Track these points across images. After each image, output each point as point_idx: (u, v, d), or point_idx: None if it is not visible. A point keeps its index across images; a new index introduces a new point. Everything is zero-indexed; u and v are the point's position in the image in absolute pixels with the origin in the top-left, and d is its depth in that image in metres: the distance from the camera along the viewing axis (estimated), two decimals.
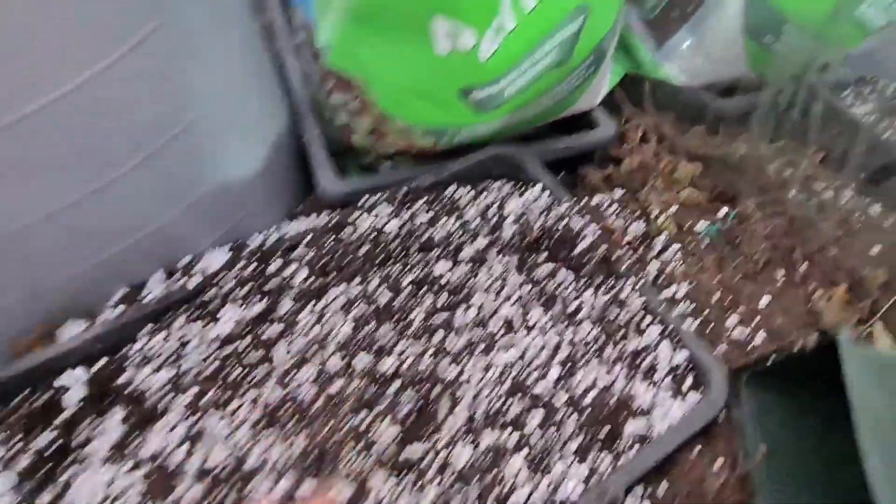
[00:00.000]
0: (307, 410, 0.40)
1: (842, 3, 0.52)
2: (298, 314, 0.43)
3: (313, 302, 0.44)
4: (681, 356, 0.41)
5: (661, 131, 0.61)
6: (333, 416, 0.39)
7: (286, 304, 0.43)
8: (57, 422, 0.38)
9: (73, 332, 0.42)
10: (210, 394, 0.40)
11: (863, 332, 0.46)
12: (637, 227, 0.53)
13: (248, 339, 0.42)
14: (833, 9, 0.53)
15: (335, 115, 0.49)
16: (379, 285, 0.45)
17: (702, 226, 0.53)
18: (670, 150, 0.60)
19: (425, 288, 0.45)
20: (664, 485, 0.38)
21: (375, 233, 0.45)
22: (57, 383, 0.39)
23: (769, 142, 0.60)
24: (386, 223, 0.46)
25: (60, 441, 0.38)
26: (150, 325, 0.42)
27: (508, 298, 0.46)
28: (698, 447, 0.39)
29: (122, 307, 0.44)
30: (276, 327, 0.43)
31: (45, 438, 0.37)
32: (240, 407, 0.40)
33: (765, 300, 0.47)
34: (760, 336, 0.45)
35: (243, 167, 0.47)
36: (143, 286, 0.45)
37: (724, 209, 0.55)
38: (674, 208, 0.54)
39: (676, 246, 0.51)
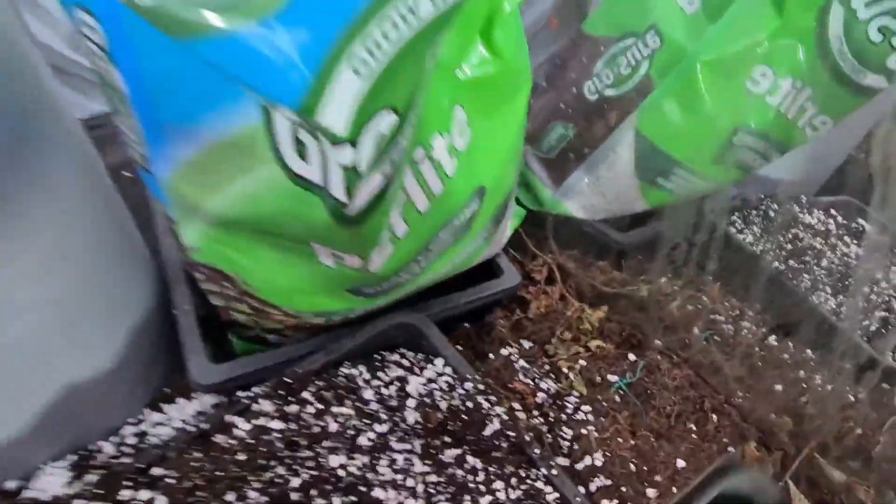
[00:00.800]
0: None
1: (723, 151, 0.56)
2: None
3: None
4: None
5: (567, 269, 0.62)
6: None
7: None
8: None
9: None
10: None
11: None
12: (547, 387, 0.51)
13: None
14: (716, 155, 0.56)
15: (214, 298, 0.44)
16: (260, 495, 0.40)
17: (612, 378, 0.52)
18: (577, 290, 0.61)
19: (316, 490, 0.41)
20: None
21: (255, 437, 0.40)
22: None
23: (672, 274, 0.62)
24: (268, 424, 0.41)
25: None
26: None
27: (413, 492, 0.42)
28: None
29: None
30: None
31: None
32: None
33: (680, 463, 0.46)
34: None
35: (96, 360, 0.41)
36: None
37: (632, 356, 0.55)
38: (582, 362, 0.53)
39: (588, 407, 0.50)
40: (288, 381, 0.44)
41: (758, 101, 0.54)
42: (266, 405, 0.42)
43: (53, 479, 0.39)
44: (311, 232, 0.35)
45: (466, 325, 0.56)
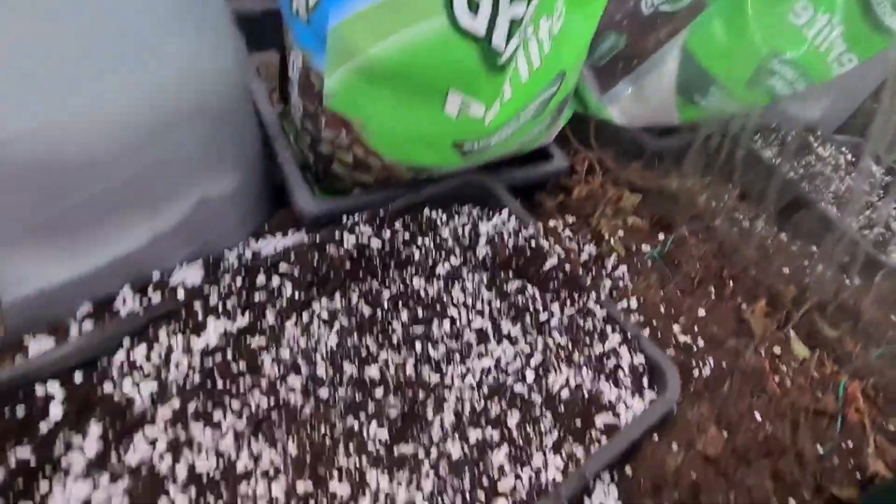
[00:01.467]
0: (296, 417, 0.42)
1: (757, 75, 0.64)
2: (283, 327, 0.46)
3: (297, 315, 0.46)
4: (639, 359, 0.48)
5: (605, 165, 0.71)
6: (323, 421, 0.42)
7: (271, 318, 0.46)
8: (34, 436, 0.38)
9: (42, 346, 0.42)
10: (195, 404, 0.41)
11: (781, 338, 0.55)
12: (590, 250, 0.60)
13: (234, 350, 0.44)
14: (750, 78, 0.65)
15: (318, 146, 0.53)
16: (359, 300, 0.49)
17: (645, 249, 0.61)
18: (614, 181, 0.69)
19: (402, 303, 0.50)
20: (629, 469, 0.44)
21: (358, 250, 0.49)
22: (34, 396, 0.39)
23: (699, 177, 0.71)
24: (368, 241, 0.50)
25: (38, 455, 0.37)
26: (129, 339, 0.43)
27: (481, 312, 0.51)
28: (657, 436, 0.45)
29: (90, 322, 0.44)
30: (261, 339, 0.45)
31: (21, 453, 0.37)
32: (227, 415, 0.41)
33: (701, 311, 0.56)
34: (700, 341, 0.53)
35: (223, 183, 0.50)
36: (109, 302, 0.46)
37: (663, 235, 0.64)
38: (621, 233, 0.62)
39: (624, 266, 0.59)
40: (381, 214, 0.52)
41: (795, 32, 0.62)
42: (366, 229, 0.51)
43: (191, 272, 0.48)
44: (457, 79, 0.43)
45: (519, 199, 0.64)
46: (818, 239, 0.70)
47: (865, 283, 0.66)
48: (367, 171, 0.52)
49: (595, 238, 0.61)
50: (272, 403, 0.42)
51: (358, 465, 0.40)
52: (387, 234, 0.51)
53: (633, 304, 0.55)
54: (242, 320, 0.45)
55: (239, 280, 0.46)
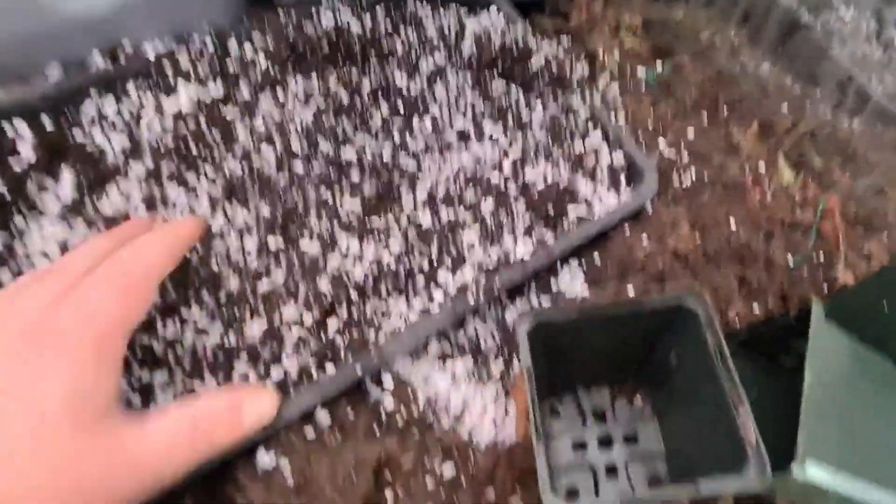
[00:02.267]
0: (270, 184, 0.42)
1: None
2: (257, 99, 0.45)
3: (272, 90, 0.46)
4: (619, 156, 0.48)
5: None
6: (298, 190, 0.43)
7: (245, 90, 0.45)
8: (5, 172, 0.39)
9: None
10: (169, 166, 0.42)
11: (769, 160, 0.55)
12: (582, 69, 0.58)
13: (207, 118, 0.44)
14: None
15: None
16: (338, 85, 0.48)
17: (641, 72, 0.60)
18: (615, 9, 0.66)
19: (383, 94, 0.49)
20: (597, 255, 0.45)
21: (336, 33, 0.48)
22: (2, 133, 0.39)
23: (706, 10, 0.68)
24: (348, 25, 0.48)
25: (11, 189, 0.38)
26: (97, 92, 0.43)
27: (464, 113, 0.50)
28: (628, 228, 0.46)
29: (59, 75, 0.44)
30: (236, 110, 0.44)
31: None
32: (200, 179, 0.42)
33: (691, 132, 0.55)
34: (685, 156, 0.52)
35: None
36: (79, 64, 0.45)
37: (661, 62, 0.62)
38: (616, 55, 0.60)
39: (616, 85, 0.58)
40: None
41: None
42: (346, 11, 0.49)
43: (163, 43, 0.47)
44: None
45: None
46: (819, 78, 0.68)
47: (867, 125, 0.65)
48: None
49: (589, 58, 0.60)
50: (246, 171, 0.43)
51: (329, 229, 0.41)
52: (368, 20, 0.49)
53: (621, 119, 0.54)
54: (216, 89, 0.44)
55: (210, 45, 0.45)
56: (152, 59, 0.44)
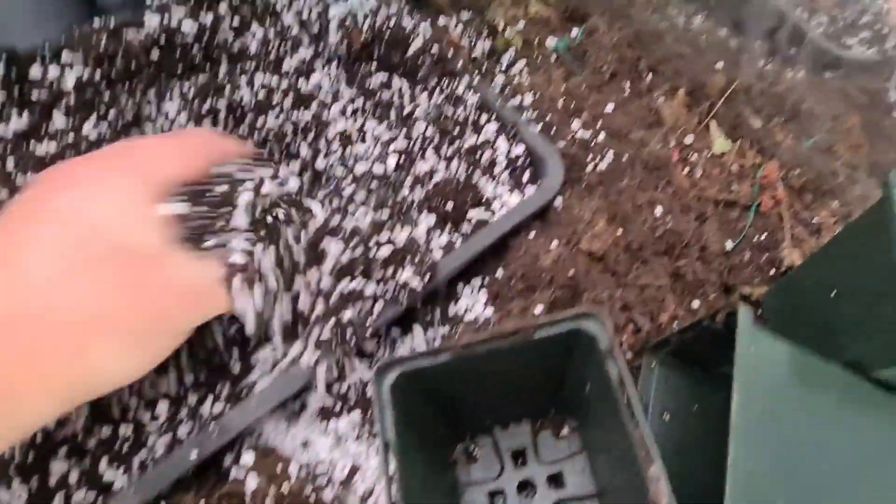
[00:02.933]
0: None
1: None
2: (79, 129, 0.38)
3: (95, 115, 0.38)
4: (518, 149, 0.41)
5: None
6: None
7: (59, 119, 0.38)
8: None
9: None
10: None
11: (698, 129, 0.49)
12: (484, 45, 0.51)
13: (13, 159, 0.36)
14: None
15: None
16: (183, 97, 0.41)
17: (550, 42, 0.53)
18: None
19: (254, 112, 0.42)
20: (500, 270, 0.38)
21: (167, 34, 0.40)
22: None
23: None
24: (179, 26, 0.41)
25: None
26: None
27: (343, 112, 0.43)
28: (534, 231, 0.39)
29: None
30: (49, 145, 0.37)
31: None
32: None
33: (609, 107, 0.48)
34: (602, 135, 0.46)
35: None
36: None
37: (575, 29, 0.55)
38: (521, 24, 0.53)
39: (523, 61, 0.51)
40: None
41: None
42: (177, 11, 0.41)
43: None
44: None
45: None
46: (747, 16, 0.61)
47: (810, 76, 0.58)
48: None
49: (491, 32, 0.52)
50: None
51: None
52: (207, 17, 0.42)
53: (528, 99, 0.47)
54: (20, 122, 0.37)
55: (3, 71, 0.37)
56: None
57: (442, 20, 0.53)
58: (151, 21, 0.40)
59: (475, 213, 0.39)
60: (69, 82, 0.37)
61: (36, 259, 0.25)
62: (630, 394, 0.27)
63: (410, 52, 0.44)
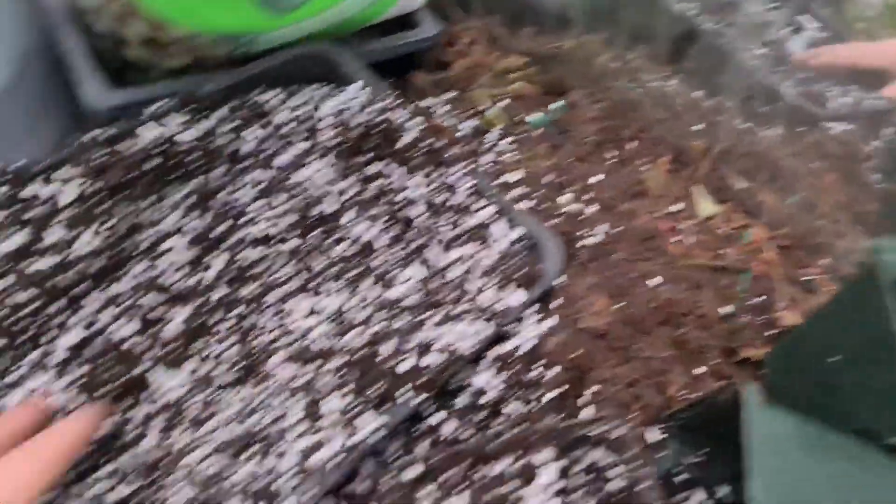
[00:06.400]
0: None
1: None
2: (75, 241, 0.39)
3: (95, 225, 0.40)
4: (516, 233, 0.43)
5: (492, 33, 0.63)
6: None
7: (57, 232, 0.39)
8: None
9: None
10: None
11: (685, 195, 0.51)
12: (468, 126, 0.54)
13: (13, 277, 0.37)
14: None
15: (98, 21, 0.44)
16: (180, 203, 0.42)
17: (534, 117, 0.55)
18: (502, 52, 0.62)
19: (235, 208, 0.43)
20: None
21: (166, 144, 0.42)
22: None
23: (595, 33, 0.64)
24: (179, 133, 0.43)
25: None
26: None
27: (339, 200, 0.45)
28: (535, 314, 0.41)
29: None
30: (49, 260, 0.38)
31: None
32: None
33: (596, 178, 0.51)
34: (592, 207, 0.48)
35: None
36: None
37: (556, 103, 0.58)
38: (505, 102, 0.56)
39: (509, 139, 0.53)
40: (197, 98, 0.45)
41: None
42: (174, 119, 0.43)
43: None
44: None
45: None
46: (721, 79, 0.65)
47: (786, 133, 0.62)
48: (165, 50, 0.44)
49: (476, 113, 0.55)
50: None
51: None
52: (204, 124, 0.44)
53: (517, 176, 0.49)
54: (17, 238, 0.38)
55: (2, 190, 0.38)
56: None
57: (426, 102, 0.56)
58: (148, 133, 0.42)
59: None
60: (66, 198, 0.39)
61: None
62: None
63: (401, 143, 0.46)
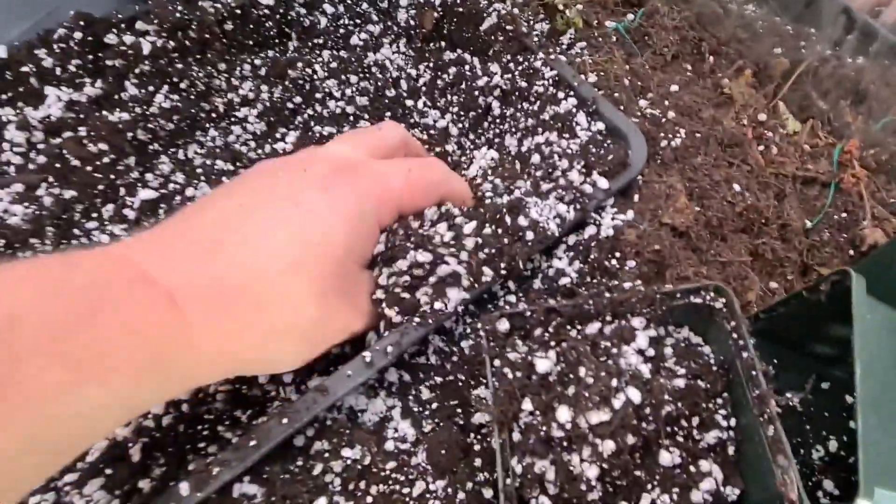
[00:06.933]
0: None
1: None
2: (152, 98, 0.38)
3: (167, 85, 0.38)
4: (597, 126, 0.41)
5: None
6: None
7: (131, 88, 0.38)
8: None
9: None
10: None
11: (768, 108, 0.49)
12: (541, 28, 0.52)
13: (86, 128, 0.36)
14: None
15: None
16: (255, 70, 0.41)
17: (609, 23, 0.53)
18: None
19: (309, 82, 0.42)
20: (582, 243, 0.38)
21: (240, 9, 0.40)
22: None
23: None
24: None
25: None
26: None
27: (415, 91, 0.43)
28: (615, 207, 0.39)
29: None
30: (122, 115, 0.37)
31: None
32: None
33: (674, 87, 0.48)
34: (671, 113, 0.46)
35: None
36: None
37: (634, 11, 0.55)
38: (580, 5, 0.53)
39: (583, 43, 0.51)
40: None
41: None
42: None
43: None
44: None
45: None
46: (814, 14, 0.62)
47: (875, 63, 0.58)
48: None
49: (548, 14, 0.53)
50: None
51: None
52: None
53: (592, 78, 0.47)
54: (92, 89, 0.37)
55: (79, 37, 0.37)
56: (4, 55, 0.36)
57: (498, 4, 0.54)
58: None
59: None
60: (144, 50, 0.37)
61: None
62: (762, 385, 0.26)
63: (483, 26, 0.44)
